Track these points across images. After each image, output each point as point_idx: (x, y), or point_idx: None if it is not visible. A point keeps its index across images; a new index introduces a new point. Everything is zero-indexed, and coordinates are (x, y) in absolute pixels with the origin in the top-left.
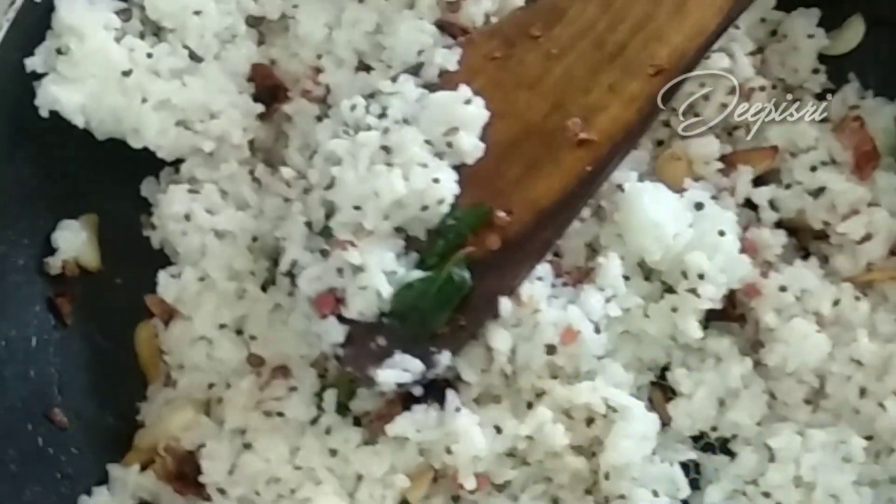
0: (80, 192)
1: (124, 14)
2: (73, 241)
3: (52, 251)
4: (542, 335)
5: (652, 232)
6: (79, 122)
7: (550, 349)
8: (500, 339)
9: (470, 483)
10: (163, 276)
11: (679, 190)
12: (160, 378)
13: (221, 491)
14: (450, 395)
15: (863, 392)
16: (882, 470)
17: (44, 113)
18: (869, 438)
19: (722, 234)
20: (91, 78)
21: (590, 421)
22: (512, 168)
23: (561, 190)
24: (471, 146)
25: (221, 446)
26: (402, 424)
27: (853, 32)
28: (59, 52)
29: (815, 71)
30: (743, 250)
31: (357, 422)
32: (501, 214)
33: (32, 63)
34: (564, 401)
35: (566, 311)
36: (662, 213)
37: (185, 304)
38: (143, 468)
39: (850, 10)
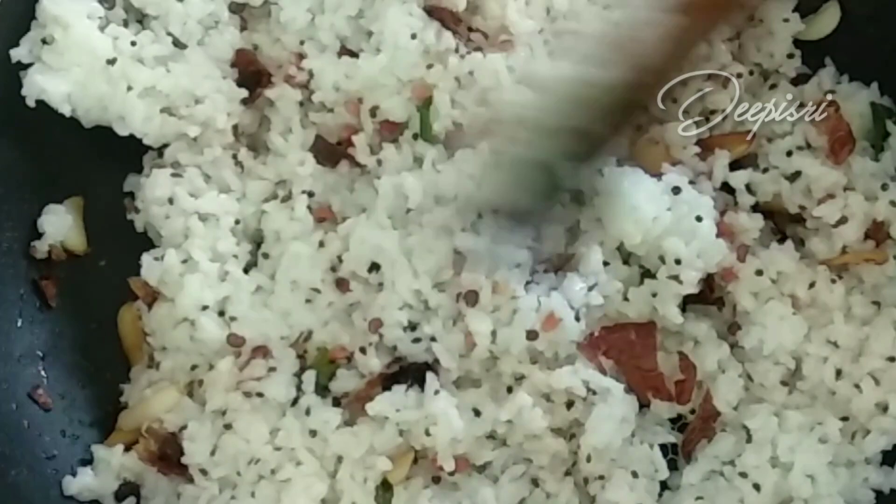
0: (65, 176)
1: (108, 2)
2: (60, 226)
3: (37, 234)
4: (523, 321)
5: (631, 216)
6: (65, 110)
7: (531, 335)
8: (479, 322)
9: (449, 465)
10: (146, 259)
11: (657, 174)
12: (143, 360)
13: (203, 472)
14: (429, 377)
15: (839, 374)
16: (857, 451)
17: (30, 102)
18: (844, 419)
19: (699, 219)
20: (76, 67)
21: (570, 404)
22: None
23: None
24: None
25: (203, 428)
26: (382, 404)
27: (829, 18)
28: (44, 41)
29: (791, 56)
30: (720, 234)
31: (336, 403)
32: None
33: (18, 53)
34: (544, 385)
35: (548, 298)
36: (641, 197)
37: (168, 286)
38: (127, 449)
39: None
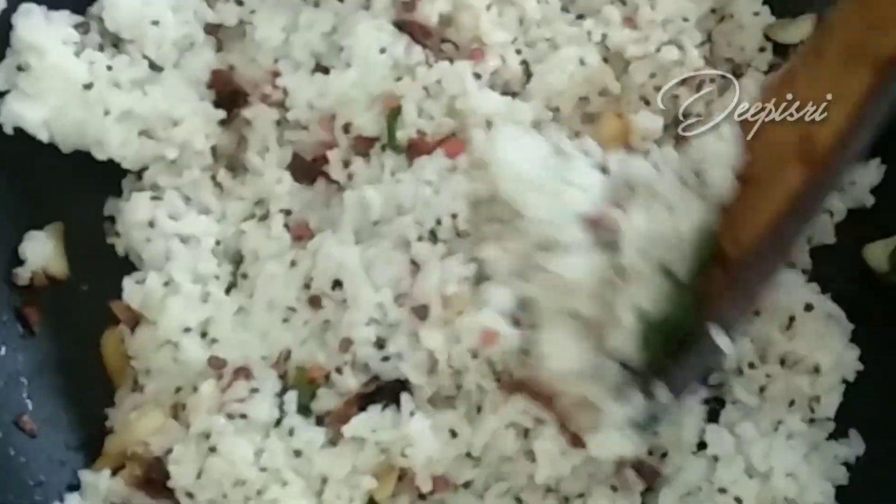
0: (45, 203)
1: (82, 27)
2: (41, 252)
3: (18, 261)
4: (467, 338)
5: (509, 172)
6: (43, 136)
7: (474, 354)
8: (431, 338)
9: (426, 486)
10: (128, 283)
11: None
12: (128, 383)
13: (190, 495)
14: (404, 398)
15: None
16: (819, 429)
17: (8, 130)
18: (792, 404)
19: (575, 187)
20: (53, 93)
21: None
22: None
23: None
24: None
25: (188, 450)
26: (358, 425)
27: (804, 26)
28: (19, 69)
29: (762, 49)
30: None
31: (320, 422)
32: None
33: None
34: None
35: (479, 314)
36: (520, 154)
37: (151, 310)
38: (114, 473)
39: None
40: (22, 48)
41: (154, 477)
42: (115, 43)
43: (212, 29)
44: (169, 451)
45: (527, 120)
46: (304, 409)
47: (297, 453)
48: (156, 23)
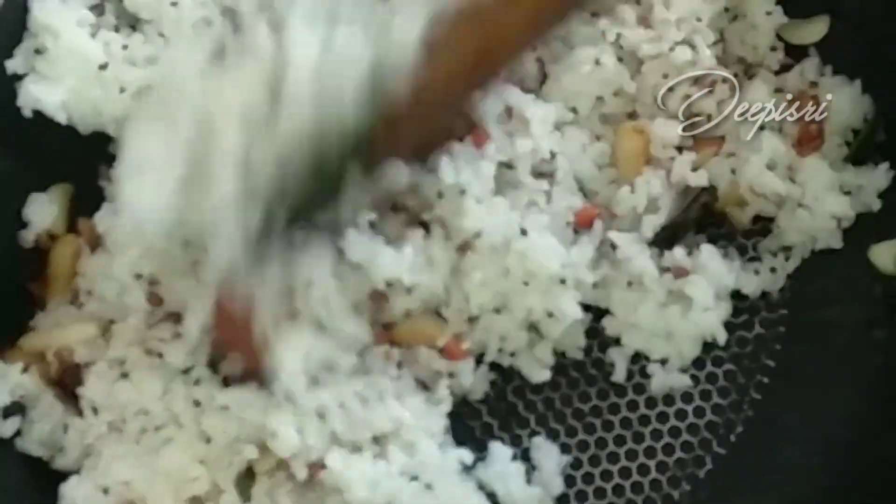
0: (56, 175)
1: (97, 9)
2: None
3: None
4: None
5: None
6: (61, 119)
7: None
8: None
9: (301, 473)
10: (105, 208)
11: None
12: (67, 296)
13: (94, 410)
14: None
15: None
16: None
17: (27, 113)
18: None
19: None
20: (69, 74)
21: None
22: None
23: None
24: None
25: (105, 368)
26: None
27: (818, 28)
28: (36, 51)
29: (774, 48)
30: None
31: (225, 382)
32: None
33: (12, 65)
34: None
35: None
36: None
37: (114, 243)
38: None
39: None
40: (38, 30)
41: (67, 382)
42: (132, 24)
43: (228, 12)
44: (89, 363)
45: (550, 120)
46: (213, 366)
47: (197, 403)
48: (174, 4)
